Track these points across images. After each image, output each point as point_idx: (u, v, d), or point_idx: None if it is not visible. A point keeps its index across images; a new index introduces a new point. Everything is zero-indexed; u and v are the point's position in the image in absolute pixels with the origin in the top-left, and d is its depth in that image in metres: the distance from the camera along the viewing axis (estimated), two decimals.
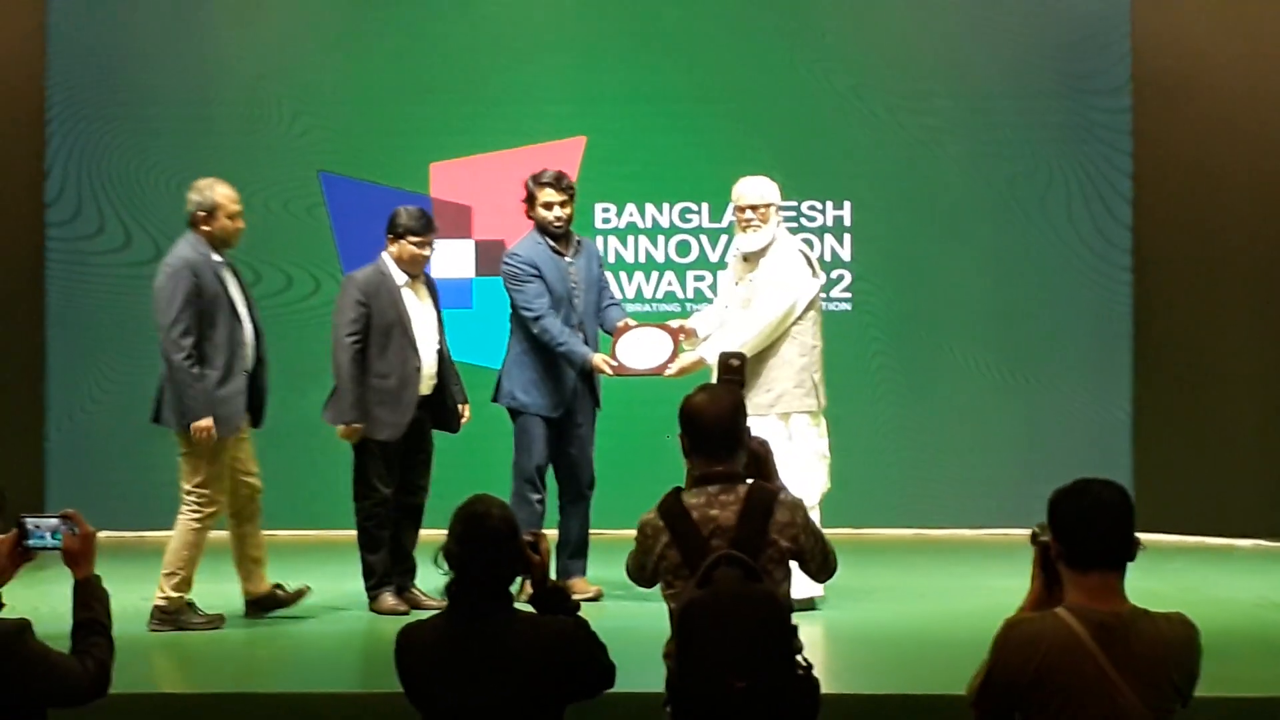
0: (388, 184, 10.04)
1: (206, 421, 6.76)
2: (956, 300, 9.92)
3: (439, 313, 7.47)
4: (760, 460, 4.46)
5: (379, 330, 7.25)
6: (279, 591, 7.09)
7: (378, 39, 10.13)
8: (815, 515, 7.15)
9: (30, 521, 3.76)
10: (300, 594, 7.08)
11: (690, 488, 4.35)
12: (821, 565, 4.44)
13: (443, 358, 7.41)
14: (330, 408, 7.33)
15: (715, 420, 4.35)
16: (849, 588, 7.54)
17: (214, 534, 6.98)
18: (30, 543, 3.75)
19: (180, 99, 10.06)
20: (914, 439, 9.90)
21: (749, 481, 4.37)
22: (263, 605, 7.07)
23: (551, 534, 7.57)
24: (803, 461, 7.13)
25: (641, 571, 4.43)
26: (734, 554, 4.08)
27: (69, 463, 10.09)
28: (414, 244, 7.28)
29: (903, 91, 9.95)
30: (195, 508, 6.84)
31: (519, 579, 3.96)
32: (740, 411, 4.42)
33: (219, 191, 6.94)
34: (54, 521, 3.78)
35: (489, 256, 9.80)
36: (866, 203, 10.00)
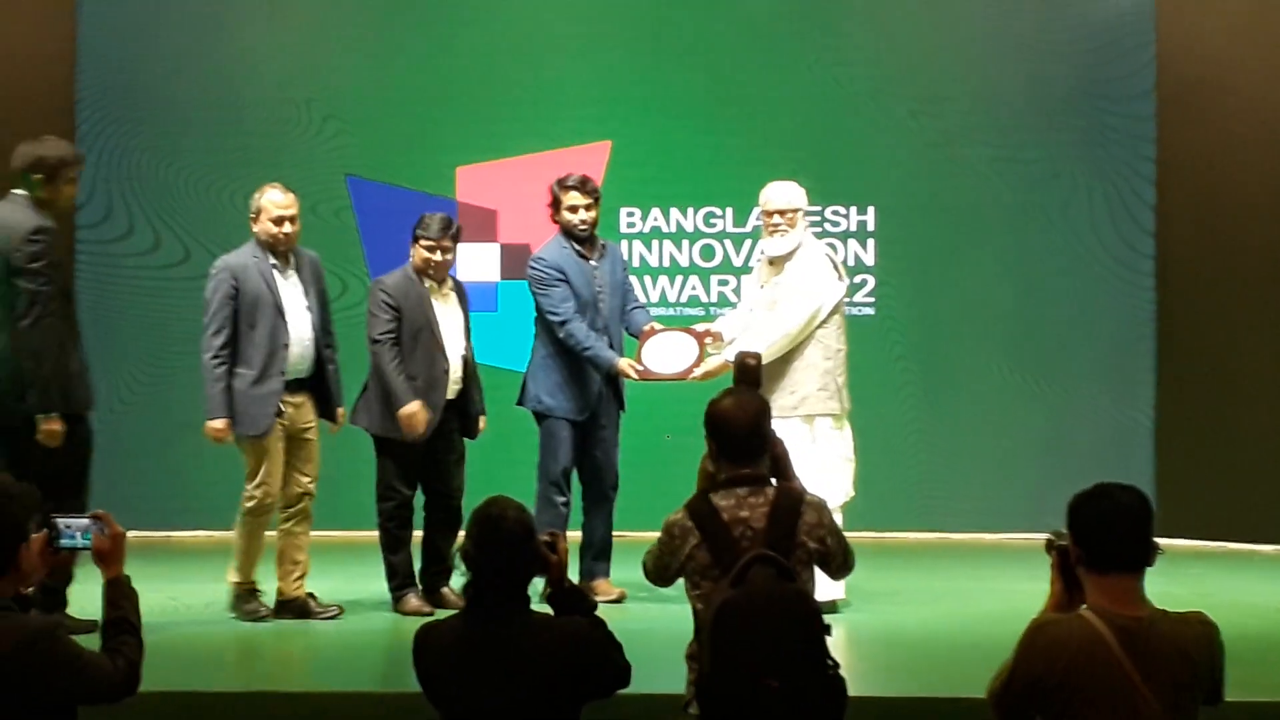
0: (414, 188, 10.06)
1: (219, 423, 6.89)
2: (979, 305, 9.91)
3: (467, 319, 7.49)
4: (776, 460, 4.49)
5: (408, 333, 7.28)
6: (311, 602, 7.14)
7: (404, 44, 10.15)
8: (838, 518, 7.15)
9: (61, 522, 3.79)
10: (331, 613, 7.10)
11: (717, 490, 4.37)
12: (842, 564, 4.50)
13: (467, 364, 7.43)
14: (361, 411, 7.35)
15: (742, 424, 4.39)
16: (871, 590, 7.56)
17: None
18: (61, 543, 3.78)
19: (209, 103, 10.09)
20: (935, 443, 9.89)
21: (774, 483, 4.39)
22: (292, 609, 7.12)
23: (575, 536, 7.60)
24: (827, 465, 7.14)
25: (664, 572, 4.45)
26: (768, 554, 4.10)
27: (98, 463, 10.01)
28: (425, 247, 7.28)
29: (924, 96, 9.94)
30: (243, 500, 7.02)
31: (540, 579, 3.97)
32: (765, 415, 4.47)
33: (266, 197, 7.07)
34: (84, 522, 3.81)
35: (514, 260, 9.82)
36: (890, 208, 9.99)
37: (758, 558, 4.08)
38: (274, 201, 7.05)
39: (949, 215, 9.94)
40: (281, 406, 6.97)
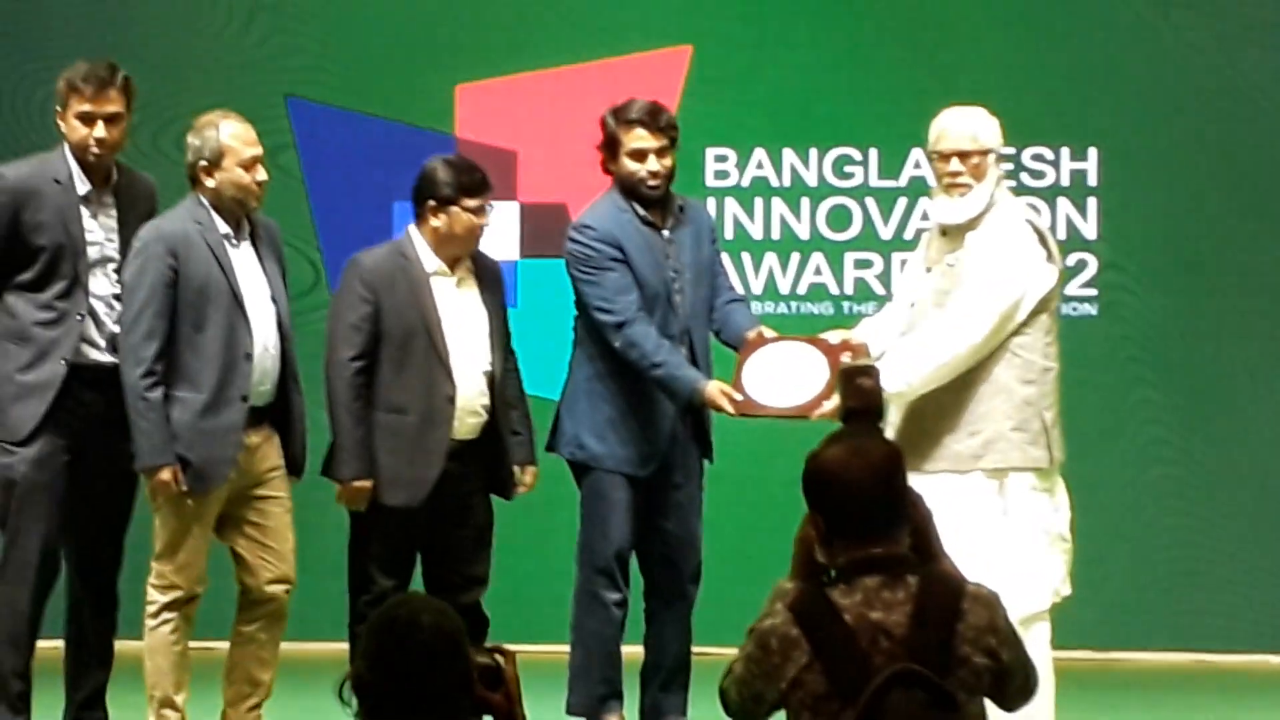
0: (389, 117, 10.14)
1: (166, 471, 7.02)
2: (1264, 302, 9.88)
3: (499, 316, 7.58)
4: (917, 532, 4.53)
5: (394, 341, 7.37)
6: None
7: None
8: (1044, 628, 7.16)
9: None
10: None
11: (833, 581, 4.39)
12: (1021, 688, 4.51)
13: (496, 385, 7.51)
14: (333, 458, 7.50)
15: (864, 484, 4.41)
16: None
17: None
18: None
19: None
20: (1194, 515, 9.86)
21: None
22: None
23: (635, 652, 7.63)
24: (1026, 545, 7.12)
25: (755, 704, 4.46)
26: (914, 669, 4.12)
27: None
28: (471, 209, 7.39)
29: None
30: (153, 592, 7.13)
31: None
32: (897, 466, 4.48)
33: (227, 132, 7.18)
34: None
35: (542, 228, 9.89)
36: (1122, 152, 9.99)
37: (899, 676, 4.09)
38: (239, 137, 7.18)
39: (1214, 163, 9.92)
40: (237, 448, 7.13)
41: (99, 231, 7.13)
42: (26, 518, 7.07)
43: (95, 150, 7.10)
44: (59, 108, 7.16)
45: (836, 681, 4.26)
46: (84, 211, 7.11)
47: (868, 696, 4.09)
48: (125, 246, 7.15)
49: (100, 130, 7.09)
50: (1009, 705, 4.56)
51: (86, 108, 7.09)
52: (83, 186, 7.12)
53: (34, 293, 7.08)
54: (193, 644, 7.25)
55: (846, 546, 4.39)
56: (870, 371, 5.05)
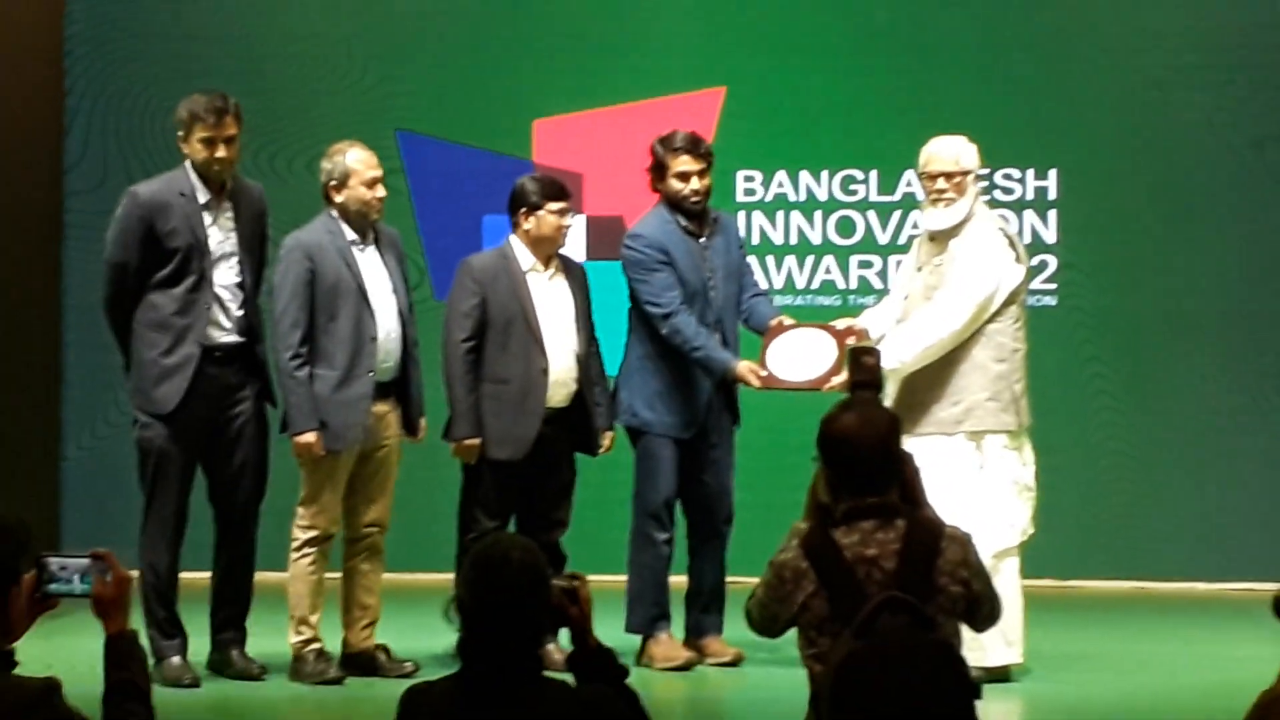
0: (480, 145, 10.12)
1: (309, 436, 7.10)
2: (1192, 295, 9.81)
3: (584, 305, 7.59)
4: (906, 484, 4.52)
5: (497, 325, 7.40)
6: (382, 656, 7.29)
7: None
8: (1014, 562, 7.13)
9: (54, 562, 3.82)
10: (405, 670, 7.21)
11: (836, 523, 4.37)
12: (989, 614, 4.52)
13: (583, 362, 7.50)
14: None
15: (868, 445, 4.42)
16: (1054, 654, 7.52)
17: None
18: (53, 587, 3.81)
19: (228, 38, 10.19)
20: (1136, 469, 9.81)
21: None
22: (359, 664, 7.26)
23: (680, 581, 7.61)
24: (999, 494, 7.10)
25: (771, 623, 4.49)
26: (901, 597, 4.10)
27: (89, 487, 10.26)
28: (555, 212, 7.45)
29: (1124, 29, 9.86)
30: (296, 531, 7.22)
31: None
32: (895, 432, 4.51)
33: (352, 157, 7.26)
34: (83, 562, 3.83)
35: (603, 236, 9.85)
36: (1077, 170, 9.92)
37: (888, 602, 4.08)
38: (363, 161, 7.27)
39: (1152, 181, 9.85)
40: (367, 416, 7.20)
41: (219, 232, 7.15)
42: (162, 484, 7.10)
43: (217, 168, 7.11)
44: (181, 133, 7.16)
45: (837, 606, 4.28)
46: (206, 217, 7.13)
47: (862, 618, 4.07)
48: (241, 243, 7.17)
49: (221, 150, 7.10)
50: (978, 627, 4.57)
51: (209, 134, 7.10)
52: (203, 196, 7.13)
53: (169, 288, 7.10)
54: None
55: (849, 495, 4.40)
56: (873, 352, 5.02)
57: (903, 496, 4.47)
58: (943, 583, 4.33)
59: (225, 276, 7.13)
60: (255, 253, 7.22)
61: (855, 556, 4.32)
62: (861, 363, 5.02)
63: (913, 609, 4.09)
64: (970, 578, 4.39)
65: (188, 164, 7.15)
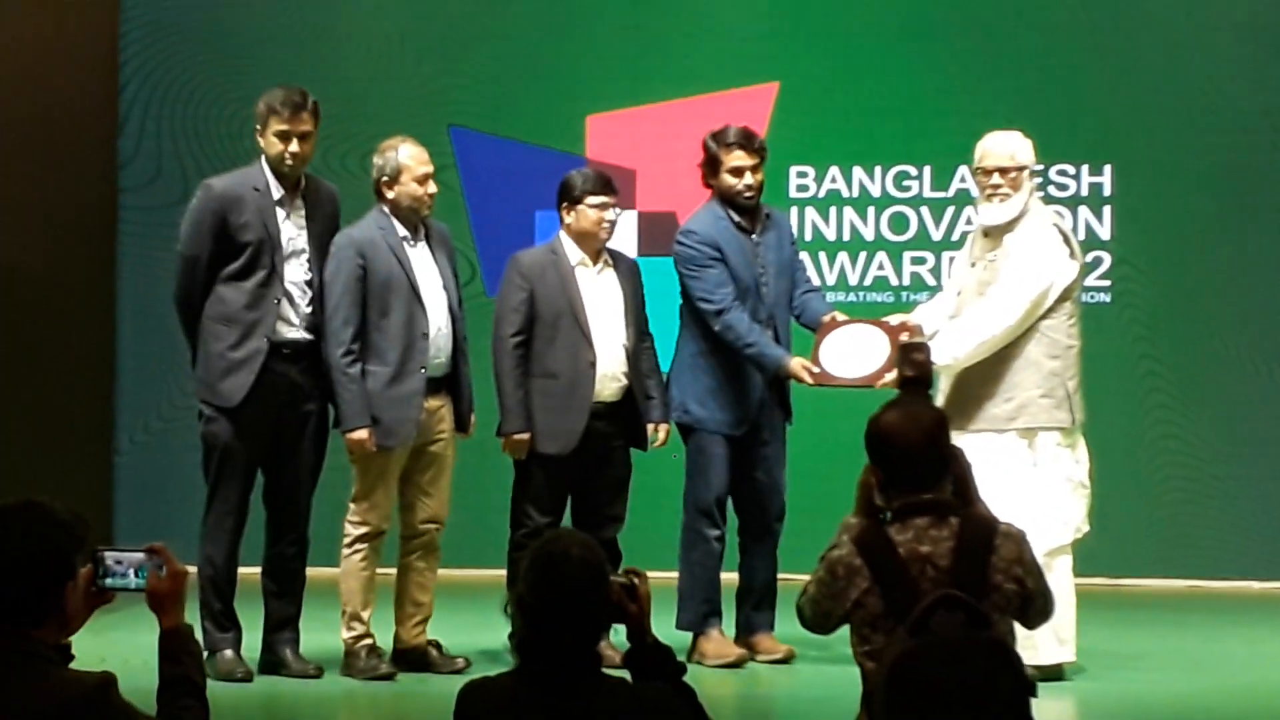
0: (533, 142, 10.13)
1: (361, 433, 7.09)
2: (1248, 292, 9.77)
3: (636, 300, 7.57)
4: (958, 480, 4.51)
5: (546, 320, 7.41)
6: (433, 651, 7.31)
7: None
8: (1067, 560, 7.10)
9: (110, 556, 3.84)
10: (456, 666, 7.24)
11: (890, 520, 4.38)
12: (1041, 610, 4.51)
13: (633, 356, 7.49)
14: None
15: (915, 442, 4.43)
16: (1107, 652, 7.50)
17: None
18: (108, 582, 3.83)
19: (281, 34, 10.25)
20: (1190, 467, 9.77)
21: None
22: (410, 660, 7.28)
23: (731, 578, 7.61)
24: (1052, 491, 7.07)
25: (824, 620, 4.49)
26: (957, 595, 4.09)
27: (142, 481, 10.32)
28: (595, 205, 7.44)
29: (1184, 24, 9.82)
30: (349, 528, 7.22)
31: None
32: (943, 427, 4.51)
33: (404, 153, 7.26)
34: (138, 557, 3.85)
35: (656, 232, 9.85)
36: (1132, 166, 9.89)
37: (943, 600, 4.05)
38: (415, 157, 7.27)
39: (1209, 175, 9.81)
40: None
41: (291, 228, 7.15)
42: (226, 477, 7.11)
43: (289, 162, 7.12)
44: (259, 126, 7.16)
45: (891, 603, 4.28)
46: (279, 213, 7.13)
47: (916, 615, 4.05)
48: (312, 240, 7.17)
49: (295, 145, 7.11)
50: (1031, 624, 4.56)
51: (284, 127, 7.10)
52: (277, 192, 7.13)
53: (239, 281, 7.08)
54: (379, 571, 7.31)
55: (901, 492, 4.41)
56: (923, 348, 5.03)
57: (954, 493, 4.47)
58: (997, 580, 4.33)
59: (296, 273, 7.14)
60: (325, 251, 7.19)
61: (909, 553, 4.32)
62: (912, 358, 5.03)
63: (968, 607, 4.08)
64: (1024, 575, 4.39)
65: (263, 159, 7.16)
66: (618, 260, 7.64)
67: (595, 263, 7.50)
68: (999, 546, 4.36)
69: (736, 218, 7.57)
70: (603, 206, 7.44)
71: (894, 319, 7.55)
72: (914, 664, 3.90)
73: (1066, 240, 7.31)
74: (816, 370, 7.40)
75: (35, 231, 9.95)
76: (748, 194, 7.55)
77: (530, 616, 3.80)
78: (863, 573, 4.34)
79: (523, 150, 10.10)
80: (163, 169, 10.34)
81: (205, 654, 6.97)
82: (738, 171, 7.54)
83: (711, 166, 7.60)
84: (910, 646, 3.97)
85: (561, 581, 3.79)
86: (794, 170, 10.02)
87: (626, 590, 3.94)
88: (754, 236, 7.60)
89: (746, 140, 7.56)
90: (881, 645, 4.24)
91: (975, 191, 7.56)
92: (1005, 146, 7.31)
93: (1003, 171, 7.25)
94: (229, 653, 7.08)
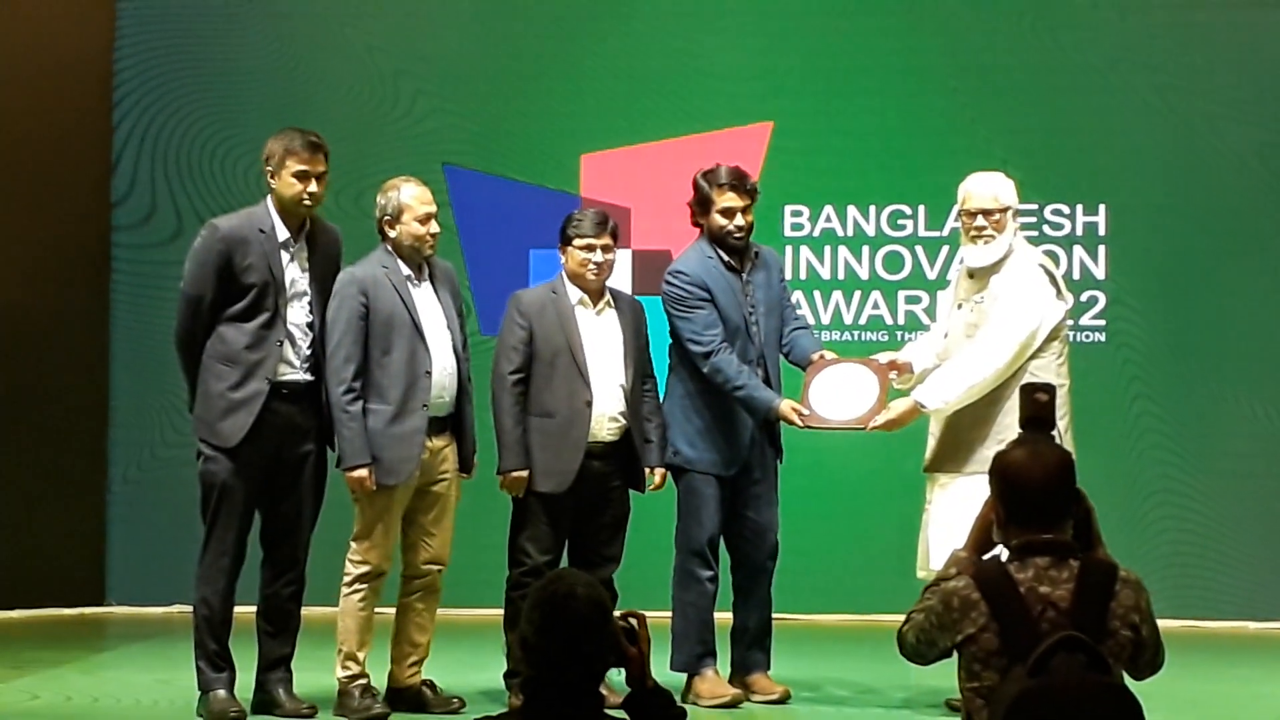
0: (527, 180, 10.17)
1: (361, 472, 7.10)
2: (1241, 331, 9.79)
3: (637, 340, 7.57)
4: (1079, 522, 4.49)
5: (544, 359, 7.43)
6: (427, 691, 7.30)
7: (517, 4, 10.28)
8: None
9: None
10: (450, 706, 7.23)
11: (1009, 558, 4.38)
12: (1151, 660, 4.47)
13: (631, 397, 7.49)
14: None
15: (1040, 481, 4.41)
16: None
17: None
18: None
19: (276, 73, 10.29)
20: (1185, 507, 9.78)
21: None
22: (405, 700, 7.28)
23: (725, 619, 7.62)
24: None
25: (928, 649, 4.46)
26: (1078, 636, 4.11)
27: (135, 519, 10.33)
28: (581, 247, 7.45)
29: (1174, 68, 9.86)
30: (349, 567, 7.22)
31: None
32: (1069, 469, 4.48)
33: (406, 193, 7.28)
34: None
35: (650, 270, 9.87)
36: (1126, 207, 9.92)
37: (1064, 641, 4.08)
38: (417, 197, 7.27)
39: (1202, 216, 9.84)
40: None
41: (295, 270, 7.13)
42: (224, 517, 7.08)
43: (307, 202, 7.11)
44: (270, 169, 7.14)
45: (1008, 641, 4.24)
46: (283, 255, 7.12)
47: (1038, 655, 4.07)
48: (314, 282, 7.17)
49: (313, 186, 7.12)
50: (1140, 674, 4.46)
51: (304, 167, 7.09)
52: (282, 234, 7.12)
53: (242, 322, 7.07)
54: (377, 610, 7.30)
55: (1021, 531, 4.39)
56: (1047, 389, 4.95)
57: (1076, 535, 4.45)
58: (1114, 626, 4.29)
59: (298, 315, 7.13)
60: (327, 293, 7.19)
61: (1029, 592, 4.29)
62: (1033, 398, 4.98)
63: (1090, 649, 4.10)
64: (1140, 623, 4.35)
65: (269, 200, 7.15)
66: (620, 300, 7.64)
67: (596, 302, 7.51)
68: (1118, 592, 4.33)
69: (726, 257, 7.56)
70: (589, 248, 7.44)
71: (883, 357, 7.56)
72: (1034, 704, 3.94)
73: (1053, 279, 7.32)
74: (806, 413, 7.38)
75: (29, 270, 10.00)
76: (738, 235, 7.55)
77: (535, 657, 3.83)
78: (980, 607, 4.31)
79: (517, 189, 10.14)
80: (156, 208, 10.38)
81: (197, 694, 7.06)
82: (729, 213, 7.54)
83: (702, 206, 7.60)
84: (1031, 686, 4.00)
85: (567, 621, 3.83)
86: (788, 209, 10.05)
87: (627, 633, 3.97)
88: (743, 275, 7.58)
89: (739, 181, 7.56)
90: (993, 683, 4.23)
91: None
92: (988, 188, 7.33)
93: (986, 213, 7.26)
94: (222, 692, 7.08)
